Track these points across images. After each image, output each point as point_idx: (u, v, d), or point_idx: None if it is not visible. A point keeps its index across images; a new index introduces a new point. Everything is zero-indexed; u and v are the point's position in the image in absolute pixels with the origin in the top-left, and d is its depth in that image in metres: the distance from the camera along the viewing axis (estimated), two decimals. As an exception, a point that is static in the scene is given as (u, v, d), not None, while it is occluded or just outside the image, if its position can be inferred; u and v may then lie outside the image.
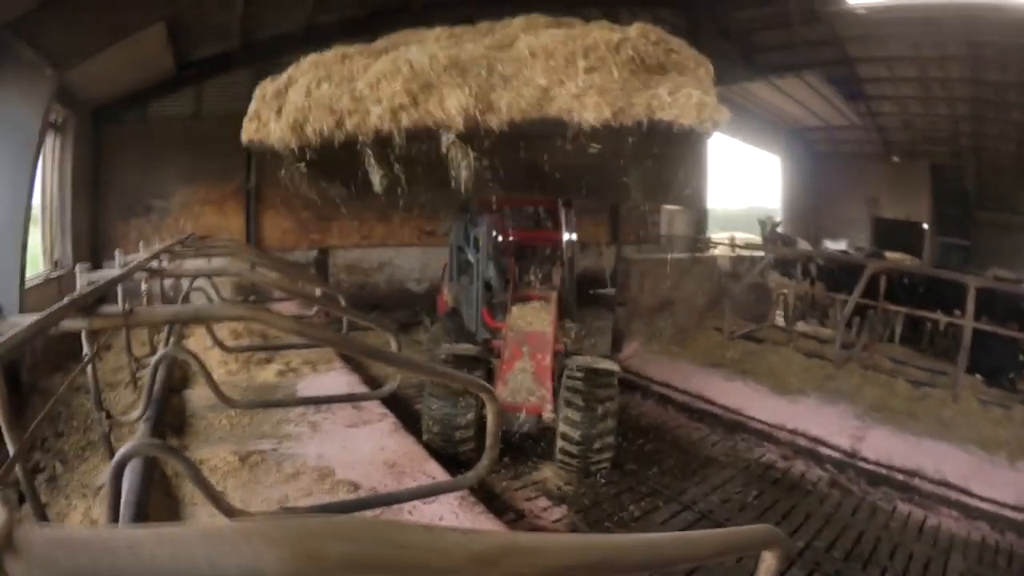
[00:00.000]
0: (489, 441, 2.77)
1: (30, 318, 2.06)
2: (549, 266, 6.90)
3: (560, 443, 5.13)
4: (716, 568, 3.86)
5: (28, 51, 5.73)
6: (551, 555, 0.83)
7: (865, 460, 5.66)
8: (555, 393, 5.22)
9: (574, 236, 6.93)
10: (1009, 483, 5.13)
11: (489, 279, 6.22)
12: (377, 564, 0.66)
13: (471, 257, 6.38)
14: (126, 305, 2.24)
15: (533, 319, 5.66)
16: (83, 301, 2.30)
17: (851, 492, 5.46)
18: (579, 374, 5.13)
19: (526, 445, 5.60)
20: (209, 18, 9.10)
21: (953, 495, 5.16)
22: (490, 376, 5.39)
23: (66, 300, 2.26)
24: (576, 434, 5.03)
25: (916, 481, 5.35)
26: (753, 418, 6.55)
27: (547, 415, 5.12)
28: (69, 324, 2.21)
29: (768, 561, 1.45)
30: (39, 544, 0.57)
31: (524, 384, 5.28)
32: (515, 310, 5.78)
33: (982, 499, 5.05)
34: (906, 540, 4.73)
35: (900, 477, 5.42)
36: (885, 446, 5.73)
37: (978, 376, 7.27)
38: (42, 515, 2.61)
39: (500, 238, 6.85)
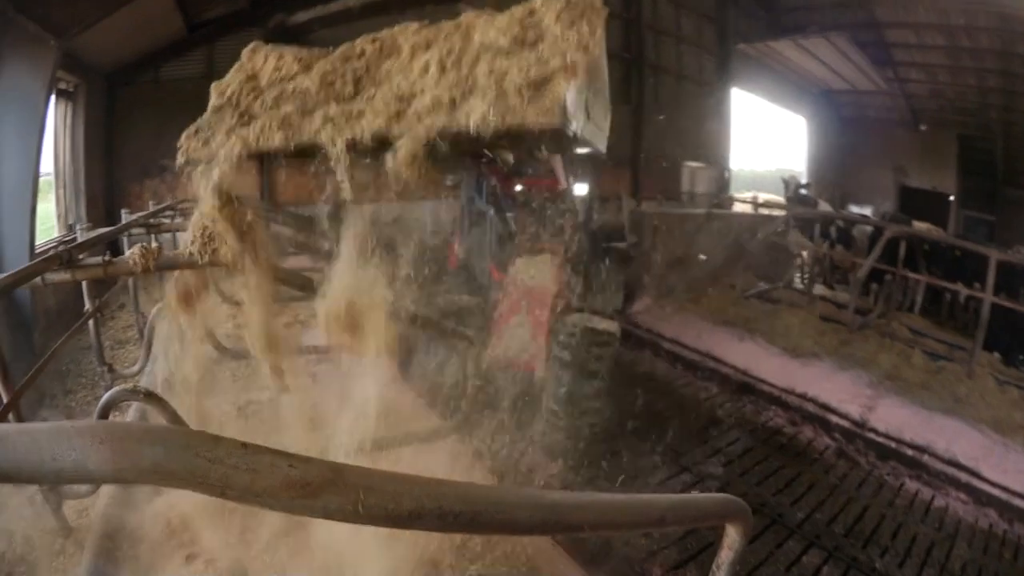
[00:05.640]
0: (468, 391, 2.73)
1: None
2: (562, 219, 6.67)
3: (546, 401, 4.96)
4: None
5: (30, 23, 5.68)
6: (389, 496, 0.73)
7: (875, 431, 5.50)
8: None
9: (585, 187, 6.60)
10: (1023, 470, 4.89)
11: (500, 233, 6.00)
12: (185, 474, 0.66)
13: (481, 207, 6.15)
14: (105, 256, 2.23)
15: (537, 272, 5.40)
16: (67, 254, 2.29)
17: (858, 464, 5.32)
18: (574, 332, 4.93)
19: (523, 402, 5.51)
20: (215, -22, 8.97)
21: (963, 477, 4.96)
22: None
23: (49, 253, 2.26)
24: (563, 393, 4.88)
25: (925, 458, 5.17)
26: (762, 380, 6.38)
27: (540, 373, 4.98)
28: (52, 277, 2.21)
29: (731, 536, 1.33)
30: None
31: (519, 339, 5.07)
32: (520, 263, 5.50)
33: (993, 484, 4.83)
34: (911, 520, 4.55)
35: (909, 452, 5.26)
36: (896, 418, 5.57)
37: (996, 354, 7.07)
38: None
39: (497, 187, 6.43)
